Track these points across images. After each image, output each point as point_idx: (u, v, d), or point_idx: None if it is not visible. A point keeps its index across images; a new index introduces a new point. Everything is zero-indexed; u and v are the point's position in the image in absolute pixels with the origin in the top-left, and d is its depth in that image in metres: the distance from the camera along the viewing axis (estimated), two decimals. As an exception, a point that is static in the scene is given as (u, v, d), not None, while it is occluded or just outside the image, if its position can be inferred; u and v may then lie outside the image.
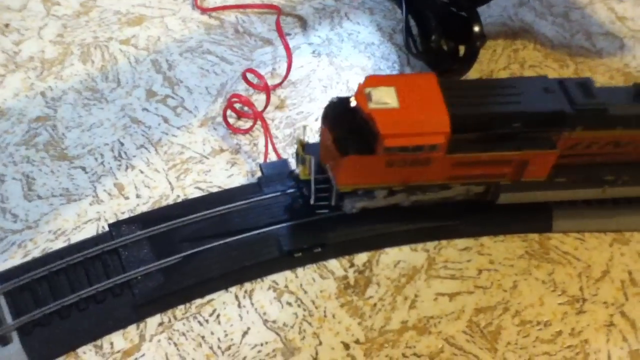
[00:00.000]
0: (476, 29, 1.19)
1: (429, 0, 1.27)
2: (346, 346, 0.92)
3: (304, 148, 0.92)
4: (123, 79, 1.29)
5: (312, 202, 0.94)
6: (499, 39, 1.40)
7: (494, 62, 1.35)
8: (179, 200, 1.08)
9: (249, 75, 1.26)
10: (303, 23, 1.42)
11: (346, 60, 1.34)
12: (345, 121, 0.87)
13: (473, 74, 1.28)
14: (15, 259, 0.98)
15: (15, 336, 0.86)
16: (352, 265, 1.01)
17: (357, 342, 0.92)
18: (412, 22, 1.31)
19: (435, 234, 1.02)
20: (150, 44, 1.36)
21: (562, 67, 1.35)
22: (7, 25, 1.38)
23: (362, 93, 0.86)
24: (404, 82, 0.88)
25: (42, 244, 1.01)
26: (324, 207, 0.96)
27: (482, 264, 1.02)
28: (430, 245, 1.03)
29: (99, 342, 0.90)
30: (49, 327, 0.87)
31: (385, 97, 0.85)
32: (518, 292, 0.99)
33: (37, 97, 1.24)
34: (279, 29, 1.36)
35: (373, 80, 0.88)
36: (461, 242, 1.04)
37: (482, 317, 0.96)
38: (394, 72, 1.32)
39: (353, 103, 0.87)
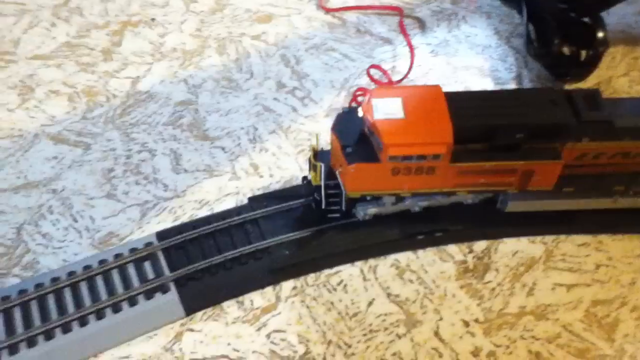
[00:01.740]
0: (600, 34, 1.22)
1: (549, 5, 1.31)
2: (466, 323, 0.97)
3: (317, 155, 0.95)
4: (255, 71, 1.41)
5: (323, 206, 0.98)
6: (618, 45, 1.41)
7: (613, 69, 1.37)
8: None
9: (372, 71, 1.34)
10: (421, 24, 1.49)
11: (463, 61, 1.40)
12: (353, 130, 0.92)
13: (591, 80, 1.31)
14: (167, 222, 1.11)
15: (172, 286, 0.98)
16: (471, 251, 1.06)
17: (476, 320, 0.98)
18: (531, 27, 1.35)
19: (555, 229, 1.06)
20: (278, 40, 1.48)
21: (684, 76, 1.34)
22: (153, 20, 1.53)
23: (369, 104, 0.90)
24: (411, 94, 0.91)
25: (189, 211, 1.13)
26: (335, 211, 1.01)
27: (600, 260, 1.04)
28: (548, 238, 1.07)
29: (240, 299, 1.00)
30: (199, 281, 0.98)
31: (391, 108, 0.88)
32: (636, 288, 1.01)
33: (180, 84, 1.38)
34: (402, 28, 1.44)
35: (381, 92, 0.92)
36: (579, 238, 1.07)
37: (600, 309, 0.99)
38: (512, 75, 1.36)
39: (360, 113, 0.91)
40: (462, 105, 0.91)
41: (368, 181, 0.93)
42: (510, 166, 0.92)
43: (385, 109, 0.88)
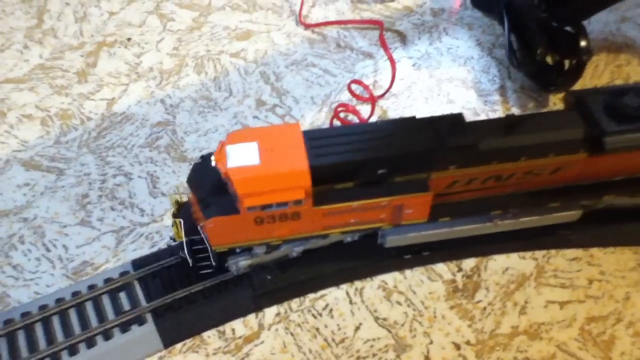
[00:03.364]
0: (583, 43, 1.19)
1: (531, 15, 1.29)
2: (457, 346, 0.94)
3: (180, 208, 0.89)
4: (234, 89, 1.37)
5: (190, 264, 0.90)
6: (601, 53, 1.40)
7: (597, 78, 1.35)
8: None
9: (353, 86, 1.32)
10: (403, 38, 1.47)
11: (446, 73, 1.37)
12: (209, 182, 0.84)
13: (575, 88, 1.29)
14: (144, 249, 1.07)
15: (149, 317, 0.93)
16: (460, 269, 1.03)
17: (467, 343, 0.94)
18: (513, 37, 1.33)
19: (545, 243, 1.03)
20: (258, 57, 1.45)
21: (668, 83, 1.33)
22: (129, 39, 1.50)
23: (222, 151, 0.81)
24: (268, 135, 0.83)
25: (167, 236, 1.09)
26: (207, 267, 0.92)
27: (593, 275, 1.01)
28: (538, 254, 1.04)
29: (221, 328, 0.96)
30: (178, 311, 0.94)
31: (246, 154, 0.80)
32: (631, 303, 0.98)
33: (158, 104, 1.35)
34: (382, 42, 1.42)
35: (236, 137, 0.83)
36: (570, 252, 1.04)
37: (595, 326, 0.95)
38: (495, 86, 1.34)
39: (213, 163, 0.82)
40: (320, 143, 0.84)
41: (232, 233, 0.85)
42: (377, 203, 0.86)
43: (240, 156, 0.79)
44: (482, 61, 1.40)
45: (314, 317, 0.97)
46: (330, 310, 0.98)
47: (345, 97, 1.34)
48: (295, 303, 0.99)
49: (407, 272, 1.03)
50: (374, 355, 0.93)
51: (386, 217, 0.90)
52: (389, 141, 0.86)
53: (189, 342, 0.95)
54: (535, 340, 0.94)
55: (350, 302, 0.99)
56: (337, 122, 1.27)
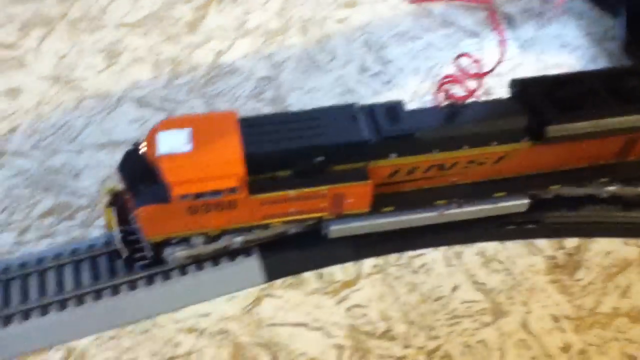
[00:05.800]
0: None
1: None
2: (555, 319, 0.93)
3: (115, 197, 0.86)
4: (338, 53, 1.40)
5: (123, 256, 0.87)
6: None
7: None
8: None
9: (461, 60, 1.32)
10: (510, 20, 1.46)
11: (553, 59, 1.36)
12: (139, 169, 0.81)
13: None
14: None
15: (256, 252, 0.96)
16: (561, 247, 1.02)
17: (566, 317, 0.93)
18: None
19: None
20: (362, 25, 1.46)
21: None
22: (237, -3, 1.54)
23: (152, 138, 0.79)
24: (202, 123, 0.81)
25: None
26: (143, 258, 0.89)
27: (700, 268, 0.99)
28: (644, 240, 1.02)
29: (320, 271, 0.99)
30: (283, 249, 0.96)
31: (177, 141, 0.78)
32: None
33: (263, 60, 1.38)
34: (493, 20, 1.41)
35: (168, 123, 0.81)
36: (677, 243, 1.02)
37: (701, 318, 0.93)
38: (604, 75, 1.32)
39: (143, 149, 0.81)
40: (256, 131, 0.83)
41: (165, 223, 0.83)
42: (315, 192, 0.84)
43: (171, 143, 0.78)
44: (591, 51, 1.38)
45: (412, 273, 0.99)
46: (428, 269, 0.99)
47: (449, 71, 1.34)
48: (392, 258, 1.01)
49: (507, 243, 1.03)
50: (470, 316, 0.93)
51: (327, 207, 0.88)
52: (326, 129, 0.84)
53: (289, 279, 0.98)
54: (637, 323, 0.92)
55: (448, 264, 1.00)
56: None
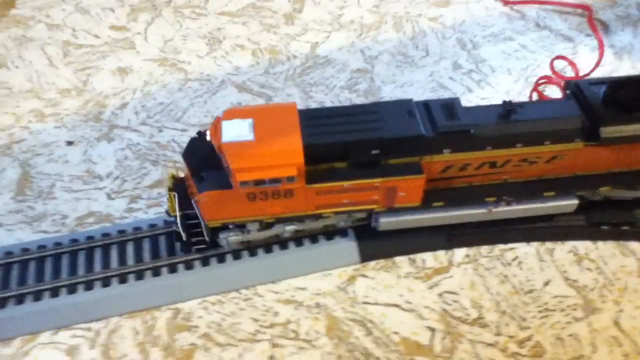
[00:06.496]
0: None
1: None
2: (649, 321, 0.94)
3: (176, 182, 0.89)
4: (431, 50, 1.43)
5: (184, 239, 0.91)
6: None
7: None
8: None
9: (556, 62, 1.32)
10: (605, 27, 1.45)
11: (651, 67, 1.35)
12: (204, 156, 0.84)
13: None
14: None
15: (351, 232, 1.01)
16: (655, 251, 1.02)
17: (660, 320, 0.94)
18: None
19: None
20: (456, 24, 1.49)
21: None
22: (333, -8, 1.60)
23: (217, 126, 0.82)
24: (264, 114, 0.84)
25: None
26: (200, 242, 0.93)
27: None
28: None
29: (412, 257, 1.02)
30: (377, 234, 1.01)
31: (241, 130, 0.81)
32: None
33: (357, 53, 1.43)
34: (592, 25, 1.41)
35: (231, 113, 0.83)
36: None
37: None
38: None
39: (208, 137, 0.84)
40: (315, 123, 0.84)
41: (225, 209, 0.86)
42: (370, 184, 0.86)
43: (235, 131, 0.81)
44: (691, 60, 1.36)
45: (503, 265, 1.01)
46: (519, 263, 1.01)
47: (542, 73, 1.35)
48: (484, 249, 1.03)
49: (600, 243, 1.03)
50: (562, 310, 0.95)
51: (379, 200, 0.90)
52: (384, 123, 0.86)
53: (382, 261, 1.02)
54: None
55: (540, 260, 1.02)
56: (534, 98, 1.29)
